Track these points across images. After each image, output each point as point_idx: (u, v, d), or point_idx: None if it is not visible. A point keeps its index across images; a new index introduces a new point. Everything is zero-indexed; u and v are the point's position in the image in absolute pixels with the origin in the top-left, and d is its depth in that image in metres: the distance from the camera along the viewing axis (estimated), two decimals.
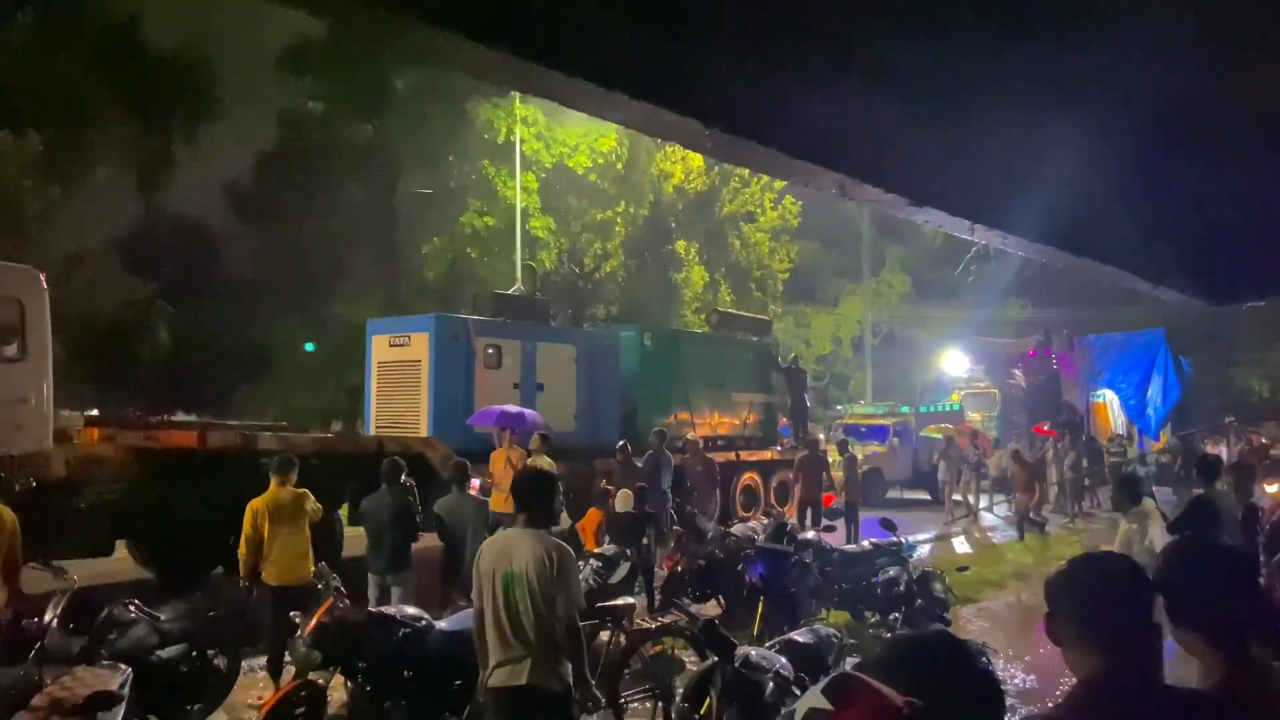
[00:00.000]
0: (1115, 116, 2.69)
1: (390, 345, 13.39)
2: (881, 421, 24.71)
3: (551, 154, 24.71)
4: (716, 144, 2.00)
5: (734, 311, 22.42)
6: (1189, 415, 30.53)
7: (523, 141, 23.41)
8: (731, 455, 16.58)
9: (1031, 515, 16.76)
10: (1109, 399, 29.62)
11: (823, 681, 1.28)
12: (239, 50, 22.92)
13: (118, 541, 9.78)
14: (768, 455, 17.74)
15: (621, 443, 12.42)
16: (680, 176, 29.15)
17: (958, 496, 20.15)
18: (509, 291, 22.79)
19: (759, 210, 31.77)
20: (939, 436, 22.25)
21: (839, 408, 32.49)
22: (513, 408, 11.79)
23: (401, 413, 13.02)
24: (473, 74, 1.55)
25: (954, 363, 30.38)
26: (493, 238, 24.50)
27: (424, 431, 12.31)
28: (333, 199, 23.84)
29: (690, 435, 12.74)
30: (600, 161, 25.58)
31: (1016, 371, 28.00)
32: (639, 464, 12.19)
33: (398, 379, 13.24)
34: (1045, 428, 24.05)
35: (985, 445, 22.33)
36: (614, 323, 23.90)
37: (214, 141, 22.64)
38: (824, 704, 1.22)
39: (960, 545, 16.26)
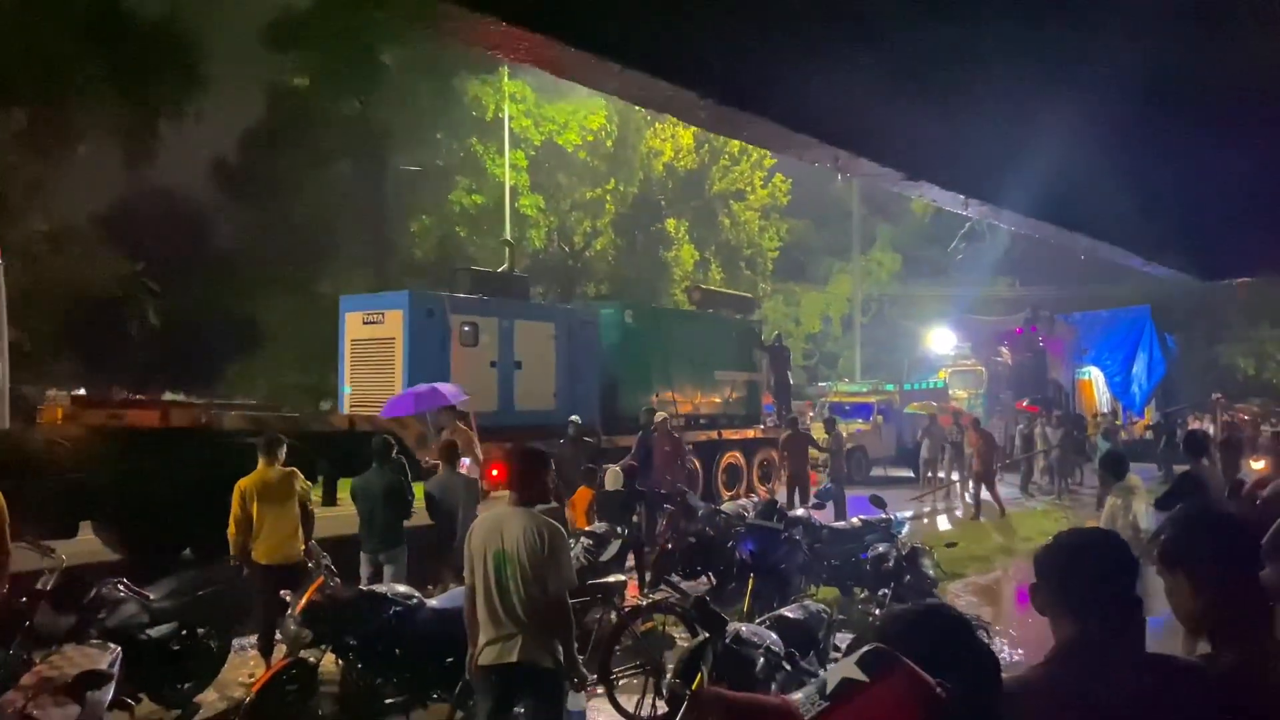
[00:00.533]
0: (1110, 93, 2.67)
1: (364, 322, 13.12)
2: (866, 399, 24.68)
3: (540, 131, 24.56)
4: (711, 115, 1.98)
5: (717, 289, 22.19)
6: (1174, 392, 30.69)
7: (511, 118, 23.24)
8: (714, 434, 16.47)
9: (980, 489, 16.21)
10: (1094, 376, 29.61)
11: (857, 653, 1.26)
12: (225, 23, 22.62)
13: (82, 523, 9.55)
14: (750, 434, 17.57)
15: (572, 419, 12.12)
16: (670, 154, 29.03)
17: (942, 474, 20.17)
18: (497, 270, 22.80)
19: (749, 188, 31.69)
20: (923, 414, 22.23)
21: (822, 385, 32.38)
22: (424, 386, 11.23)
23: (375, 391, 12.68)
24: (466, 41, 1.52)
25: (940, 340, 30.30)
26: (482, 216, 24.37)
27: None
28: (321, 175, 23.62)
29: (658, 415, 12.46)
30: (590, 139, 25.44)
31: (1003, 349, 27.86)
32: (591, 441, 12.08)
33: (372, 356, 12.97)
34: (1025, 404, 24.08)
35: (968, 424, 22.45)
36: (600, 300, 23.74)
37: (200, 117, 22.39)
38: (859, 675, 1.22)
39: (944, 523, 16.34)
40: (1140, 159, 3.10)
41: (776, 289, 36.07)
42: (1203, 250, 3.75)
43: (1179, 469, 7.81)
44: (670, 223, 29.35)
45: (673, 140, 28.92)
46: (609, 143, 26.21)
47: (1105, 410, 27.89)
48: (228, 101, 23.55)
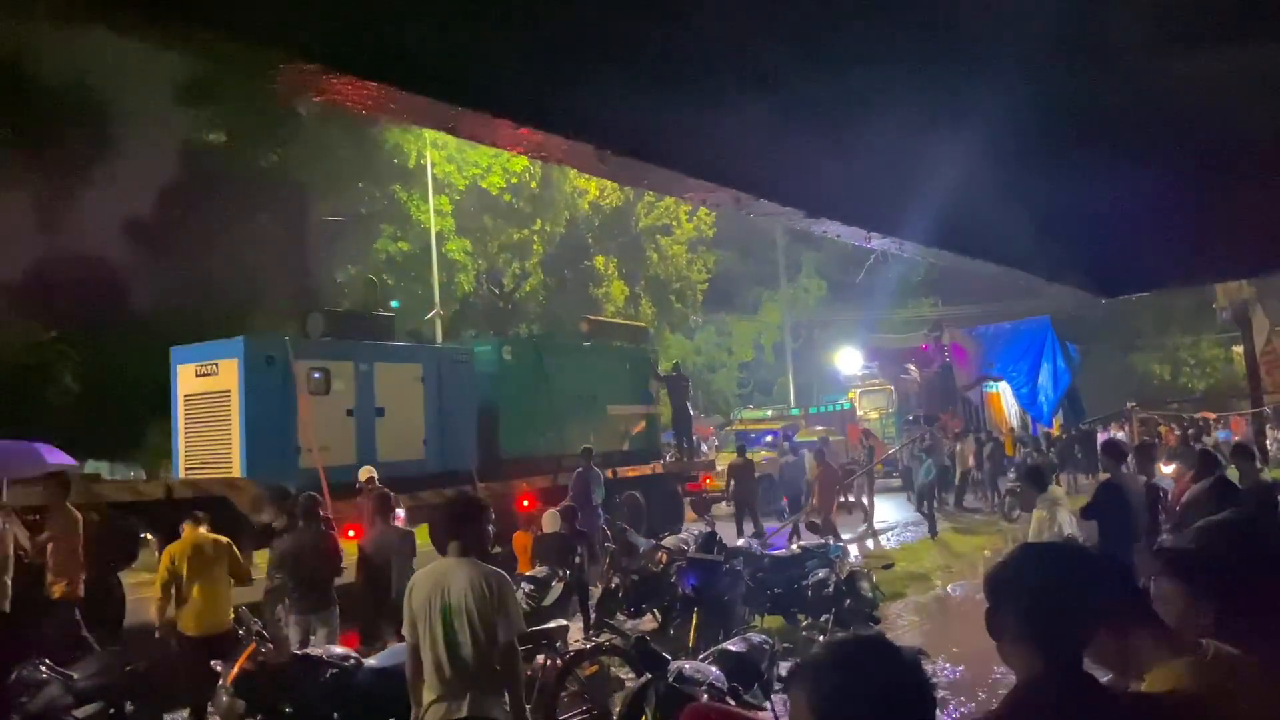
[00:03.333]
0: (1003, 123, 2.78)
1: (197, 375, 11.80)
2: (769, 426, 24.68)
3: (464, 175, 24.54)
4: (612, 167, 2.01)
5: (608, 319, 21.48)
6: (1079, 401, 31.27)
7: (433, 164, 23.20)
8: (608, 473, 14.80)
9: (817, 522, 12.66)
10: (1002, 389, 29.51)
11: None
12: (134, 82, 22.22)
13: None
14: (648, 470, 16.41)
15: (365, 470, 10.74)
16: (595, 192, 29.22)
17: (854, 499, 19.27)
18: (427, 316, 22.60)
19: (674, 223, 32.02)
20: (813, 440, 21.47)
21: (732, 415, 32.21)
22: (17, 444, 10.21)
23: (211, 451, 11.50)
24: (353, 107, 1.53)
25: (848, 361, 30.31)
26: (408, 263, 24.20)
27: (236, 472, 11.03)
28: (241, 230, 23.25)
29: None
30: (514, 180, 25.49)
31: (910, 366, 27.89)
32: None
33: (205, 413, 11.68)
34: (939, 420, 24.20)
35: (876, 445, 21.87)
36: (530, 338, 23.03)
37: (114, 177, 21.94)
38: None
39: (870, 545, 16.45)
40: (1035, 185, 3.23)
41: (708, 320, 36.41)
42: (1101, 268, 3.90)
43: (1104, 476, 8.02)
44: (599, 260, 29.49)
45: (596, 179, 29.12)
46: (533, 184, 26.30)
47: (1015, 424, 28.24)
48: (141, 160, 23.12)
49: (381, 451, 12.28)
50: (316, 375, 11.81)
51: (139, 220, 24.22)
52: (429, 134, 23.05)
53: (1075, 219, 3.62)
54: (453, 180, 24.31)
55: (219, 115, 23.40)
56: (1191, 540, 2.23)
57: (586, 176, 28.38)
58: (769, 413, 29.39)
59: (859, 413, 27.54)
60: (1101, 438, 20.05)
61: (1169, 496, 8.02)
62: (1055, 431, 28.04)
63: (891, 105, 2.42)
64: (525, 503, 13.03)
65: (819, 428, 24.14)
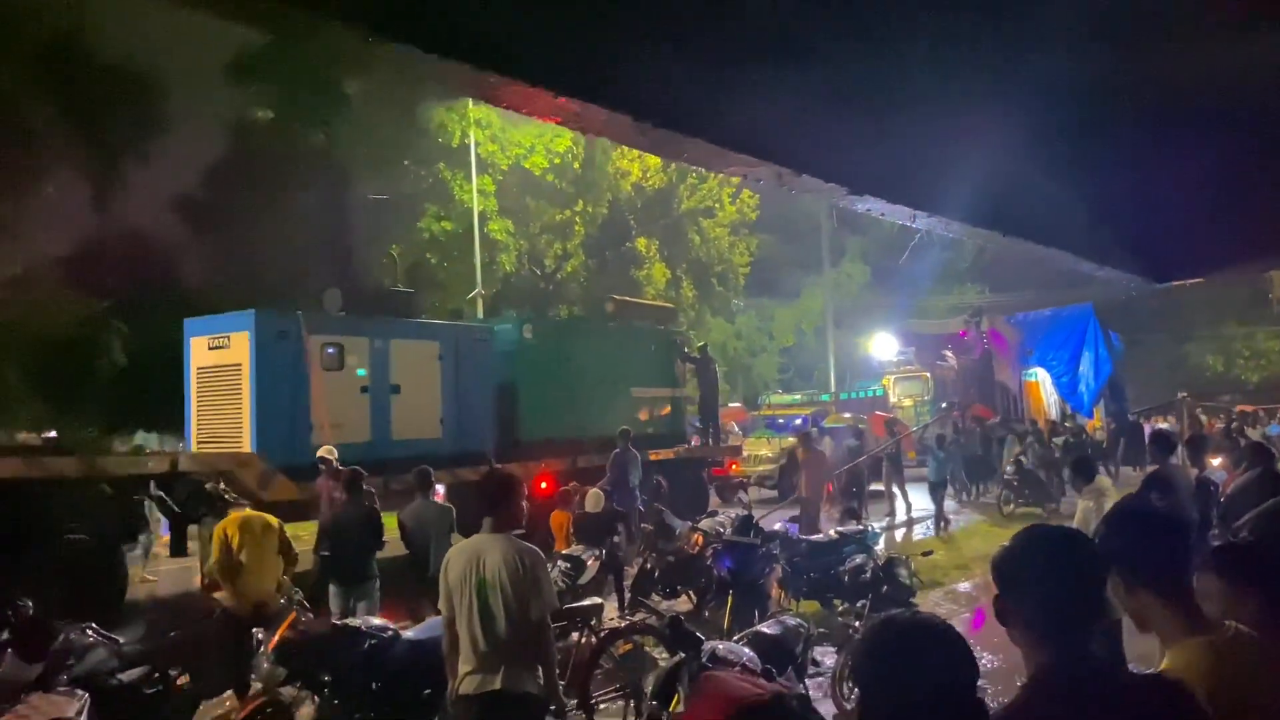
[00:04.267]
0: (1053, 100, 2.71)
1: (209, 348, 11.58)
2: (799, 411, 24.13)
3: (507, 156, 24.61)
4: (651, 139, 1.99)
5: (634, 299, 20.86)
6: (1121, 391, 30.45)
7: (477, 144, 23.28)
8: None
9: (855, 507, 12.43)
10: (1041, 378, 28.83)
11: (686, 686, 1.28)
12: (185, 59, 22.53)
13: None
14: (672, 454, 15.86)
15: (326, 449, 9.87)
16: (638, 174, 29.16)
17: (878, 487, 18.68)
18: (469, 296, 22.72)
19: (717, 205, 31.86)
20: (841, 426, 21.01)
21: (760, 400, 31.46)
22: None
23: (222, 426, 11.29)
24: (397, 74, 1.52)
25: (883, 346, 29.43)
26: (451, 242, 24.34)
27: (246, 447, 10.84)
28: (287, 208, 23.53)
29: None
30: (557, 162, 25.51)
31: (947, 353, 27.27)
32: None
33: (217, 386, 11.46)
34: (971, 409, 23.50)
35: (904, 433, 20.84)
36: (499, 316, 21.51)
37: (164, 153, 22.26)
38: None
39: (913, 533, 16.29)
40: (1086, 165, 3.15)
41: (749, 304, 36.24)
42: (1152, 253, 3.80)
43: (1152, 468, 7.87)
44: (640, 242, 29.45)
45: (640, 160, 29.03)
46: (576, 165, 26.30)
47: (1054, 414, 27.44)
48: (191, 138, 23.46)
49: (396, 430, 12.05)
50: (330, 351, 11.57)
51: (187, 197, 24.60)
52: (473, 113, 23.14)
53: (1127, 202, 3.53)
54: (496, 160, 24.39)
55: (267, 93, 23.67)
56: (1238, 531, 2.19)
57: (630, 157, 28.39)
58: (798, 398, 28.89)
59: (892, 400, 26.79)
60: (1150, 429, 19.52)
61: (1220, 490, 7.84)
62: (1095, 422, 27.35)
63: (937, 81, 2.37)
64: (543, 485, 12.72)
65: (846, 414, 23.69)
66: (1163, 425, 24.51)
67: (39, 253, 21.36)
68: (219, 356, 11.42)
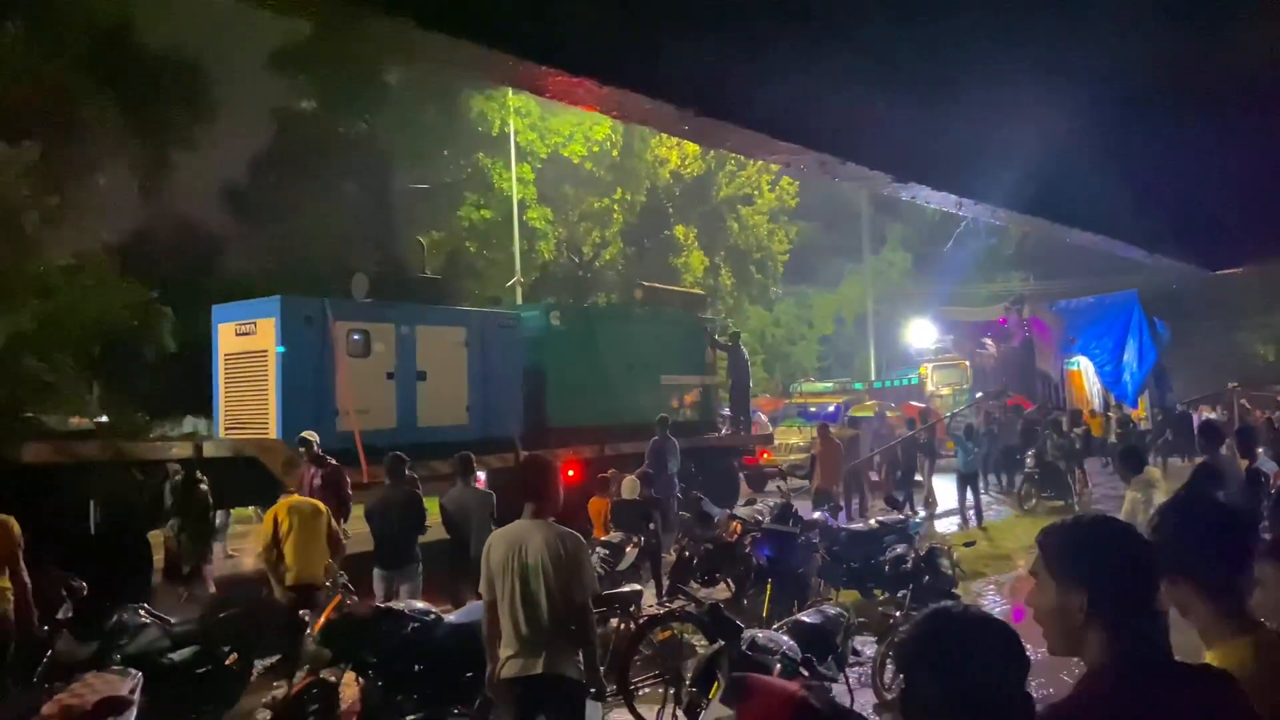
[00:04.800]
0: (1102, 84, 2.66)
1: (237, 334, 11.60)
2: (830, 400, 23.65)
3: (546, 144, 24.65)
4: (693, 127, 1.99)
5: (663, 286, 20.52)
6: (1166, 381, 29.62)
7: (517, 133, 23.35)
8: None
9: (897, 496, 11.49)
10: (1084, 366, 28.05)
11: (720, 692, 1.26)
12: (231, 50, 22.88)
13: None
14: (702, 443, 15.57)
15: (305, 440, 9.31)
16: (676, 161, 29.07)
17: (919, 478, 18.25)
18: (508, 284, 22.83)
19: (756, 192, 31.68)
20: (869, 415, 20.66)
21: (791, 388, 30.74)
22: None
23: (249, 412, 11.29)
24: (440, 64, 1.53)
25: (920, 334, 28.61)
26: (490, 230, 24.47)
27: (272, 433, 10.82)
28: (329, 196, 23.81)
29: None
30: (595, 150, 25.52)
31: (987, 340, 26.52)
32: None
33: (244, 372, 11.47)
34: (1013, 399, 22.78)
35: (938, 422, 20.18)
36: (530, 303, 20.94)
37: (210, 143, 22.62)
38: (724, 711, 1.22)
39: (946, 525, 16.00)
40: (1136, 150, 3.09)
41: (788, 292, 36.04)
42: (1203, 241, 3.73)
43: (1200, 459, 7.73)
44: (679, 229, 29.39)
45: (678, 148, 28.93)
46: (614, 153, 26.29)
47: (1097, 403, 26.72)
48: (236, 127, 23.79)
49: (422, 417, 12.04)
50: (356, 337, 11.55)
51: (233, 185, 24.99)
52: (512, 102, 23.19)
53: (1178, 188, 3.45)
54: (535, 149, 24.45)
55: (310, 83, 23.93)
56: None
57: (668, 145, 28.32)
58: (830, 385, 28.32)
59: (929, 389, 26.03)
60: (1198, 419, 19.02)
61: (1271, 481, 7.69)
62: (1139, 412, 26.63)
63: (985, 65, 2.34)
64: (570, 473, 12.50)
65: (870, 402, 23.06)
66: (1210, 415, 23.94)
67: (90, 240, 21.82)
68: (246, 343, 11.46)
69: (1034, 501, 16.71)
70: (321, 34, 20.34)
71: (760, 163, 31.18)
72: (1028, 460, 17.44)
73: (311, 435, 9.22)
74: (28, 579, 5.73)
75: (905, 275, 38.53)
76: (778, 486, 10.77)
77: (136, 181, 21.80)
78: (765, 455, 19.05)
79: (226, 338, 11.79)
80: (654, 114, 1.83)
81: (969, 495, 15.53)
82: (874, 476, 17.70)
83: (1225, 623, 1.99)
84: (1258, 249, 4.20)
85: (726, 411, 17.83)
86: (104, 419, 21.62)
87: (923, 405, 21.73)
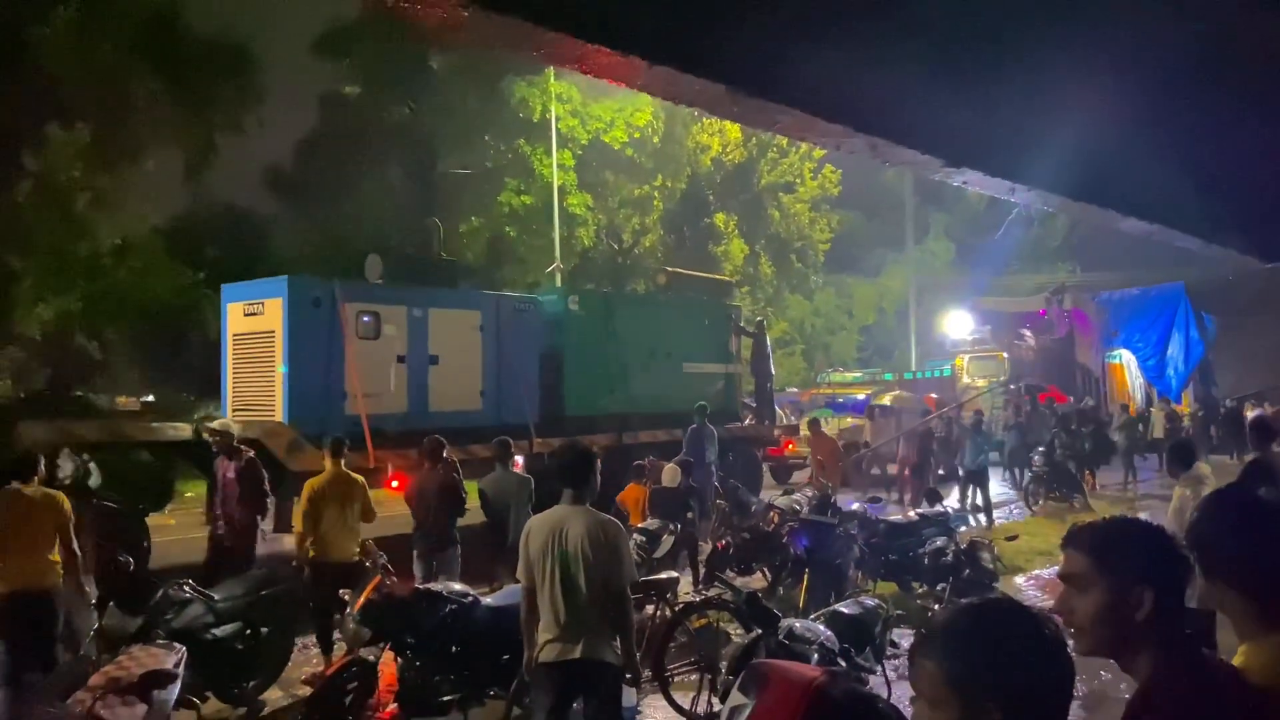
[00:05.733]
0: (1159, 70, 2.59)
1: (245, 314, 11.29)
2: (859, 391, 23.09)
3: (587, 130, 24.65)
4: (743, 109, 1.96)
5: (688, 272, 19.99)
6: (1211, 376, 28.75)
7: (558, 118, 23.36)
8: (678, 434, 13.66)
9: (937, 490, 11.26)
10: (1126, 360, 27.20)
11: (738, 679, 1.20)
12: (277, 35, 23.15)
13: None
14: (724, 434, 14.48)
15: (220, 422, 8.85)
16: (718, 148, 28.94)
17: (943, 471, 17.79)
18: (548, 269, 22.89)
19: (798, 180, 31.47)
20: (889, 405, 20.05)
21: (819, 378, 30.16)
22: None
23: (256, 394, 11.06)
24: (489, 43, 1.52)
25: (957, 325, 27.60)
26: (530, 216, 24.55)
27: (279, 416, 10.61)
28: (372, 181, 24.03)
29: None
30: (636, 136, 25.47)
31: (1025, 332, 25.72)
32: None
33: (251, 354, 11.19)
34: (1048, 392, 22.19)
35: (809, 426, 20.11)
36: (541, 287, 20.90)
37: (258, 127, 22.91)
38: (743, 699, 1.16)
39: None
40: (1193, 138, 3.01)
41: (828, 281, 35.79)
42: (1260, 230, 3.62)
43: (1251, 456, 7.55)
44: (719, 217, 29.27)
45: (720, 134, 28.81)
46: (655, 139, 26.21)
47: (1139, 398, 25.89)
48: (282, 112, 24.08)
49: (434, 401, 11.78)
50: (366, 319, 11.25)
51: (277, 169, 25.31)
52: (554, 88, 23.21)
53: (1236, 176, 3.36)
54: (576, 135, 24.46)
55: (355, 68, 24.14)
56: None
57: (710, 132, 28.18)
58: (860, 375, 27.73)
59: (964, 380, 25.23)
60: (1251, 415, 18.47)
61: None
62: (1184, 408, 25.89)
63: (1040, 50, 2.28)
64: (556, 469, 12.15)
65: (886, 395, 22.22)
66: (1255, 412, 23.30)
67: (139, 223, 22.22)
68: (253, 323, 11.20)
69: (1041, 502, 16.09)
70: (367, 17, 20.49)
71: (803, 150, 30.96)
72: (1035, 459, 16.72)
73: (227, 425, 8.55)
74: (79, 551, 5.85)
75: (948, 265, 38.07)
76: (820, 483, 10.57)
77: (184, 165, 22.16)
78: (790, 446, 18.62)
79: (235, 318, 11.51)
80: (703, 95, 1.80)
81: (976, 495, 14.85)
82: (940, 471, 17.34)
83: (1261, 621, 1.95)
84: None
85: (751, 401, 17.43)
86: (150, 399, 22.05)
87: (937, 396, 21.13)
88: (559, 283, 22.71)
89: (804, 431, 14.65)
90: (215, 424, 8.54)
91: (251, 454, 8.13)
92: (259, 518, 8.07)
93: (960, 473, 16.37)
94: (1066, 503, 15.94)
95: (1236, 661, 1.92)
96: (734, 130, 29.21)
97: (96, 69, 18.77)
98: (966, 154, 2.43)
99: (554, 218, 23.12)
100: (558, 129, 23.28)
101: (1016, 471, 17.94)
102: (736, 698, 1.12)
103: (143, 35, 19.39)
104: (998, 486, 16.64)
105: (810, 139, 2.19)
